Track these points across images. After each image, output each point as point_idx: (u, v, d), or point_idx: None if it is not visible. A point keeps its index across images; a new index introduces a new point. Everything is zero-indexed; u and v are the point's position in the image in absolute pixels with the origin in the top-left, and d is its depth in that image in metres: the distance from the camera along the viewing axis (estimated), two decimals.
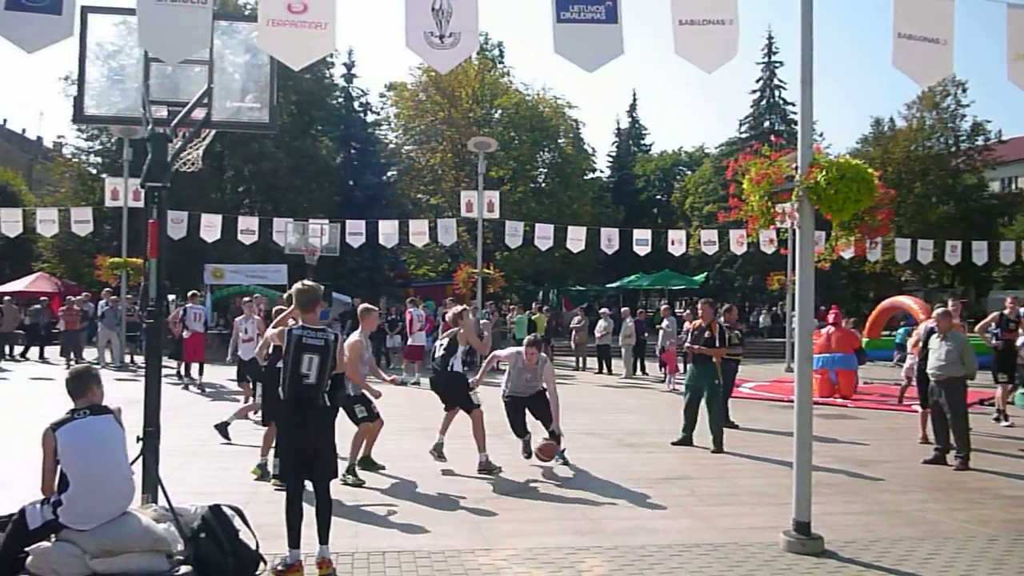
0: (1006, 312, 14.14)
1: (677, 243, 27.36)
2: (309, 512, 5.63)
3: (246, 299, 14.98)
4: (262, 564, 5.41)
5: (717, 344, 11.36)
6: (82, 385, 5.20)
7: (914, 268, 39.32)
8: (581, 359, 25.01)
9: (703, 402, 11.11)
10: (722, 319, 14.00)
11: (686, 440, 11.15)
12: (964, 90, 43.67)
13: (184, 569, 4.97)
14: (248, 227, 26.06)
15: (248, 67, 6.26)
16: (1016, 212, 45.58)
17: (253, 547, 5.39)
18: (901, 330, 23.94)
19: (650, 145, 63.15)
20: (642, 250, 27.37)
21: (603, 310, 26.19)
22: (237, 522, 5.43)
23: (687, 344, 12.15)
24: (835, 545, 6.44)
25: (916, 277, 45.15)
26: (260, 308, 13.74)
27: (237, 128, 6.68)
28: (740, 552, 6.29)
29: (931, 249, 27.79)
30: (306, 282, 6.06)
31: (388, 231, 26.41)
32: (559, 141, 46.73)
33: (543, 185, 46.87)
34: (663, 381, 20.10)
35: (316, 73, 37.53)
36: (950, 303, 12.55)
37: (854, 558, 6.19)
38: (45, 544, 4.85)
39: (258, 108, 6.22)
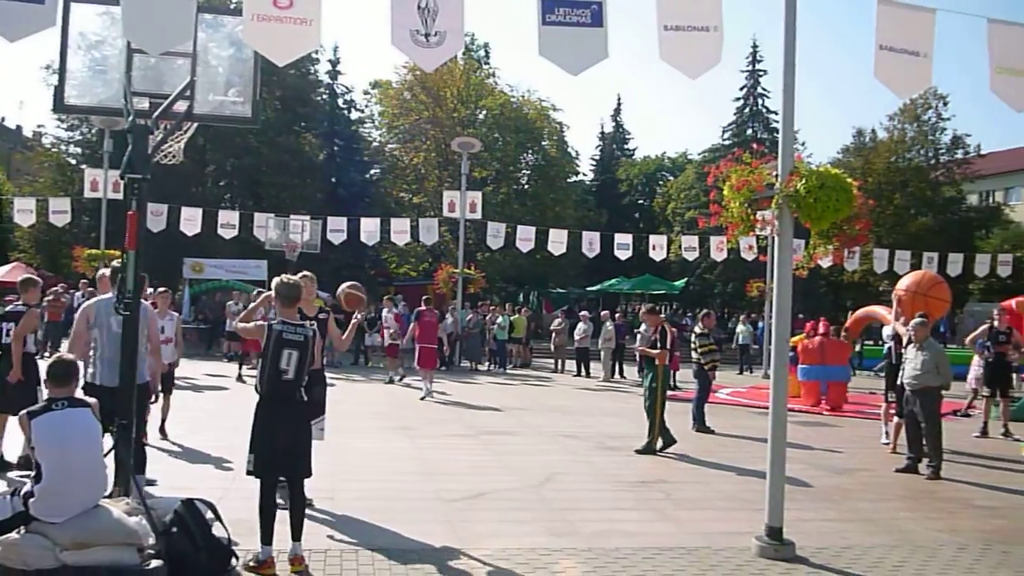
0: (996, 324, 14.03)
1: (658, 248, 27.46)
2: (284, 509, 5.62)
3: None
4: (234, 559, 5.38)
5: (659, 347, 11.32)
6: (66, 376, 5.16)
7: (892, 278, 39.57)
8: (560, 361, 25.06)
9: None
10: (699, 325, 14.12)
11: (665, 442, 11.19)
12: (945, 103, 44.08)
13: (155, 563, 4.94)
14: (229, 221, 25.97)
15: (232, 61, 6.22)
16: (993, 226, 46.03)
17: (226, 542, 5.36)
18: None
19: (634, 150, 63.50)
20: (623, 254, 27.48)
21: (583, 313, 26.26)
22: (210, 517, 5.39)
23: (641, 348, 12.20)
24: (807, 551, 6.48)
25: (893, 287, 45.46)
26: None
27: (219, 122, 6.64)
28: (713, 556, 6.32)
29: (908, 260, 28.02)
30: (289, 276, 6.03)
31: (370, 229, 26.36)
32: (543, 143, 46.82)
33: (526, 187, 46.94)
34: (641, 385, 20.13)
35: (301, 69, 37.39)
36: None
37: (825, 564, 6.24)
38: (14, 535, 4.80)
39: (241, 102, 6.19)
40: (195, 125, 6.57)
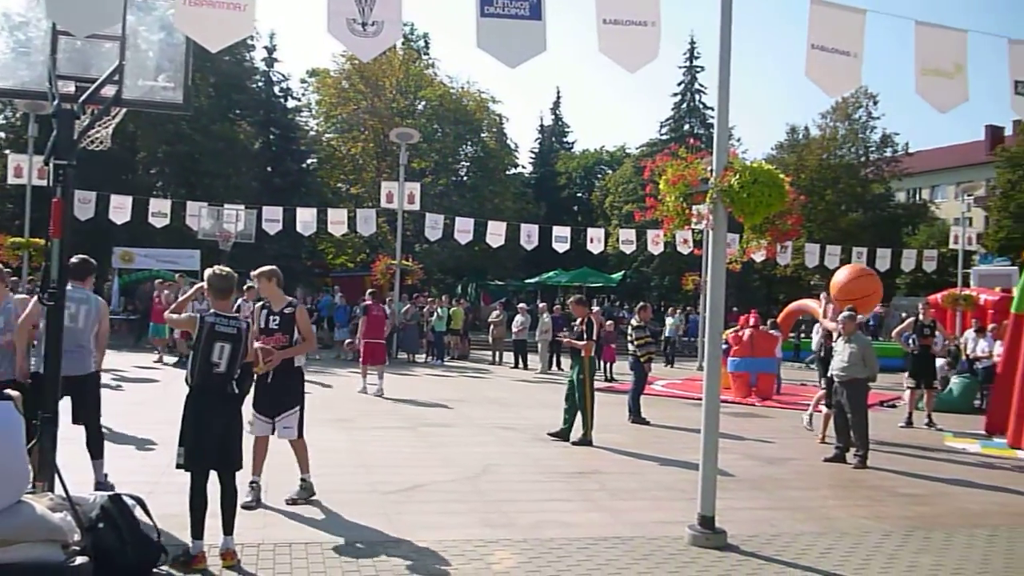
0: (921, 317, 14.47)
1: (596, 241, 27.66)
2: (215, 503, 5.52)
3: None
4: (164, 555, 5.28)
5: (584, 338, 11.40)
6: None
7: (823, 273, 40.55)
8: (498, 353, 25.10)
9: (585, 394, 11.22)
10: (636, 318, 14.27)
11: (564, 433, 11.25)
12: (875, 103, 45.31)
13: (80, 560, 4.80)
14: (160, 210, 25.33)
15: (163, 45, 6.05)
16: (919, 222, 47.47)
17: (155, 538, 5.26)
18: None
19: (573, 143, 63.91)
20: (561, 247, 27.61)
21: (521, 305, 26.33)
22: (138, 512, 5.28)
23: (566, 340, 12.32)
24: (738, 539, 6.61)
25: (824, 282, 46.58)
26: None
27: (149, 108, 6.46)
28: (647, 545, 6.40)
29: (839, 255, 28.69)
30: (222, 268, 5.93)
31: (306, 219, 26.04)
32: (482, 135, 46.81)
33: (465, 179, 46.89)
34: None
35: (236, 56, 36.72)
36: (822, 296, 12.92)
37: (756, 552, 6.37)
38: None
39: (172, 88, 6.02)
40: (124, 111, 6.39)
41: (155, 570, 5.21)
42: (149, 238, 28.61)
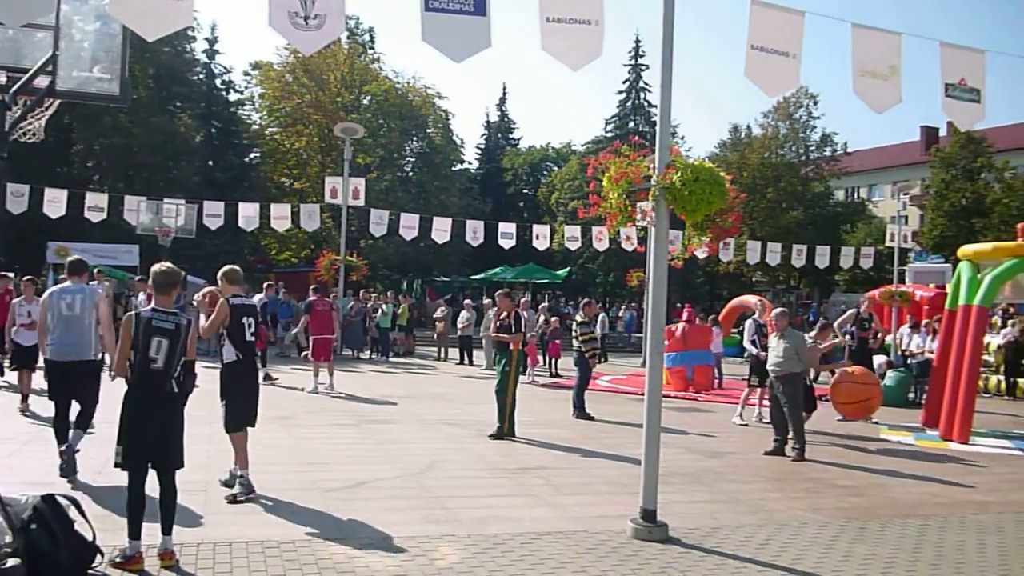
0: (861, 311, 14.85)
1: (542, 237, 27.72)
2: (153, 503, 5.43)
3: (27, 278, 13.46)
4: (99, 556, 5.18)
5: (512, 331, 11.45)
6: None
7: (764, 269, 41.31)
8: (443, 349, 25.05)
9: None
10: (580, 314, 14.38)
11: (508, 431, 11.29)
12: (815, 103, 46.15)
13: (12, 562, 4.69)
14: (97, 204, 24.64)
15: (99, 35, 5.91)
16: (858, 220, 48.55)
17: (90, 539, 5.15)
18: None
19: (519, 139, 63.92)
20: (507, 243, 27.63)
21: (466, 301, 26.31)
22: (73, 513, 5.17)
23: (491, 332, 12.40)
24: (680, 532, 6.71)
25: (766, 278, 47.49)
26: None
27: (84, 99, 6.32)
28: (589, 540, 6.46)
29: (779, 252, 29.20)
30: (166, 264, 5.86)
31: (249, 214, 25.60)
32: (428, 131, 46.59)
33: (411, 174, 46.65)
34: (523, 372, 20.35)
35: (176, 47, 36.07)
36: (754, 299, 13.26)
37: (696, 544, 6.46)
38: None
39: (108, 79, 5.88)
40: (58, 102, 6.24)
41: (90, 571, 5.11)
42: (86, 233, 27.96)
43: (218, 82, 41.46)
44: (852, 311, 15.23)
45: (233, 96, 42.92)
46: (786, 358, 10.64)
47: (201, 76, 40.71)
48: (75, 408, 7.83)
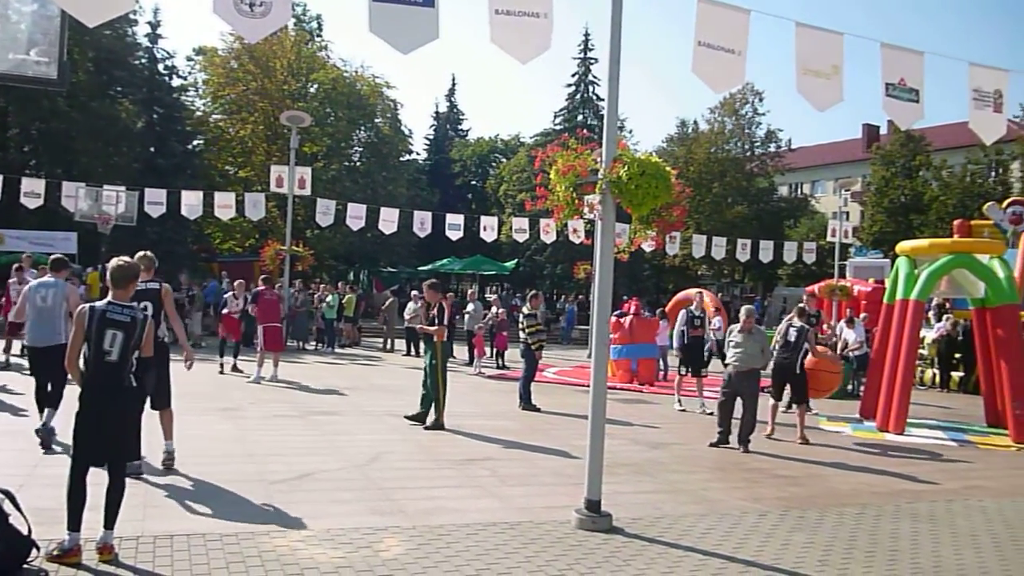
0: (807, 307, 15.08)
1: (490, 229, 27.72)
2: (93, 495, 5.32)
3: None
4: (35, 551, 5.07)
5: (437, 323, 11.50)
6: None
7: (709, 263, 41.84)
8: (389, 341, 24.94)
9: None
10: (527, 305, 14.45)
11: (420, 416, 11.41)
12: (761, 99, 46.86)
13: None
14: (33, 190, 23.97)
15: (36, 17, 5.73)
16: (801, 215, 49.43)
17: (25, 532, 5.04)
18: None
19: (467, 130, 63.75)
20: (455, 235, 27.59)
21: (413, 292, 26.18)
22: (7, 506, 5.06)
23: (419, 325, 12.50)
24: (623, 522, 6.79)
25: (711, 272, 48.14)
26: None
27: (20, 82, 6.12)
28: (534, 530, 6.51)
29: (724, 246, 29.59)
30: (124, 259, 5.79)
31: (192, 202, 25.16)
32: (376, 121, 46.14)
33: (358, 164, 46.17)
34: (469, 364, 20.39)
35: (117, 30, 35.15)
36: (693, 291, 13.51)
37: (639, 534, 6.55)
38: None
39: (46, 63, 5.71)
40: None
41: (26, 566, 4.99)
42: (21, 219, 27.21)
43: (161, 67, 40.43)
44: (799, 306, 15.50)
45: (176, 82, 41.92)
46: (751, 354, 10.89)
47: (143, 61, 39.70)
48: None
